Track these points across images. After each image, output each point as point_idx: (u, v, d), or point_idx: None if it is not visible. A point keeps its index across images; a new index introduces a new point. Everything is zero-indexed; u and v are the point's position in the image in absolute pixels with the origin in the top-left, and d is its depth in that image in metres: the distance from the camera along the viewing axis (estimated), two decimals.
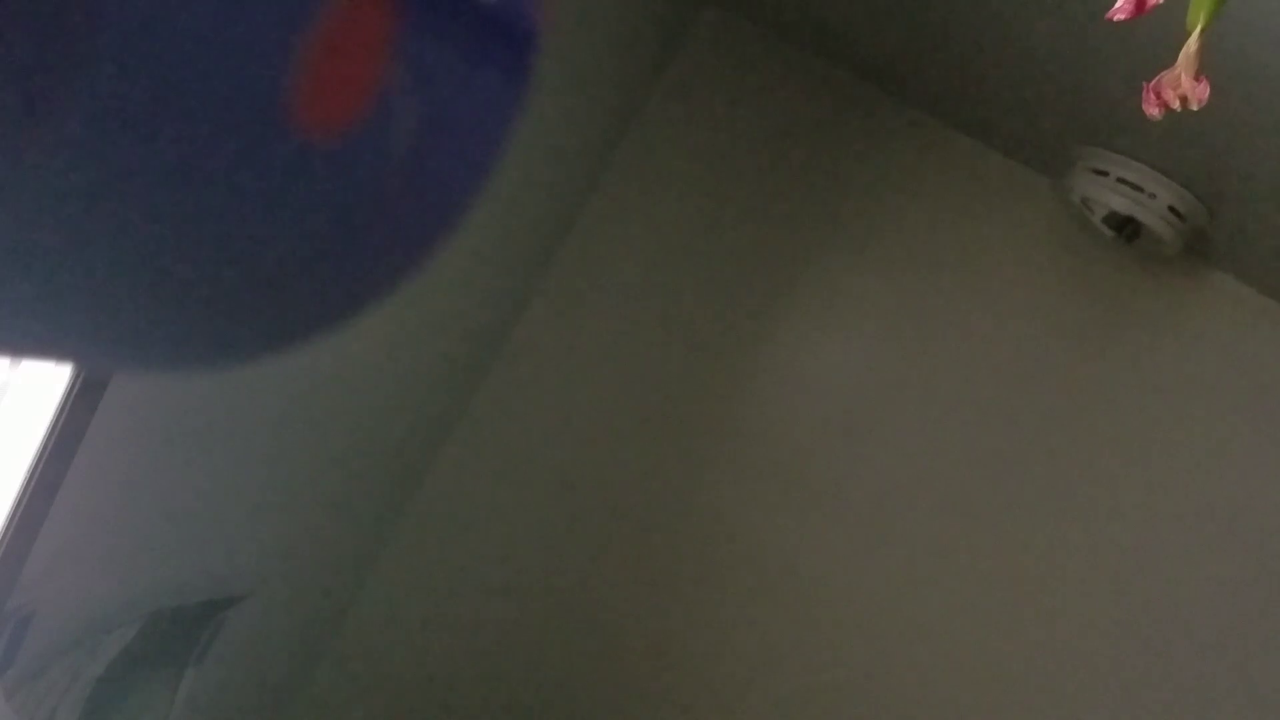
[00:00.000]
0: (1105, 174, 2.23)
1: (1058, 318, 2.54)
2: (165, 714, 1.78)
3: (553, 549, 2.67)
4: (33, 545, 1.37)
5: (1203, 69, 0.89)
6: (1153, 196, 2.20)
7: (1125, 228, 2.27)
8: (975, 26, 2.01)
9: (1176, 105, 0.90)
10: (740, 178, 2.63)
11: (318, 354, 1.81)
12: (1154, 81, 0.91)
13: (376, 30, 0.26)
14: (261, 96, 0.24)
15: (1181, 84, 0.89)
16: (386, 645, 2.68)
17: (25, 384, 1.33)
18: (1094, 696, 2.47)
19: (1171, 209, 2.20)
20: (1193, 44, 0.89)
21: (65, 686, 1.52)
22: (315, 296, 0.30)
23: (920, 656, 2.54)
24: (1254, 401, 2.45)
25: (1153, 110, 0.92)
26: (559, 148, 2.34)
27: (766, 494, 2.61)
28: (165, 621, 1.75)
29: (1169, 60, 0.90)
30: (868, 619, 2.56)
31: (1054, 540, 2.51)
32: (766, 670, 2.59)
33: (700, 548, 2.63)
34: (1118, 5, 0.88)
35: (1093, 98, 2.02)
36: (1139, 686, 2.45)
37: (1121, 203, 2.22)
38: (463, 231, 0.32)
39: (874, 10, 2.18)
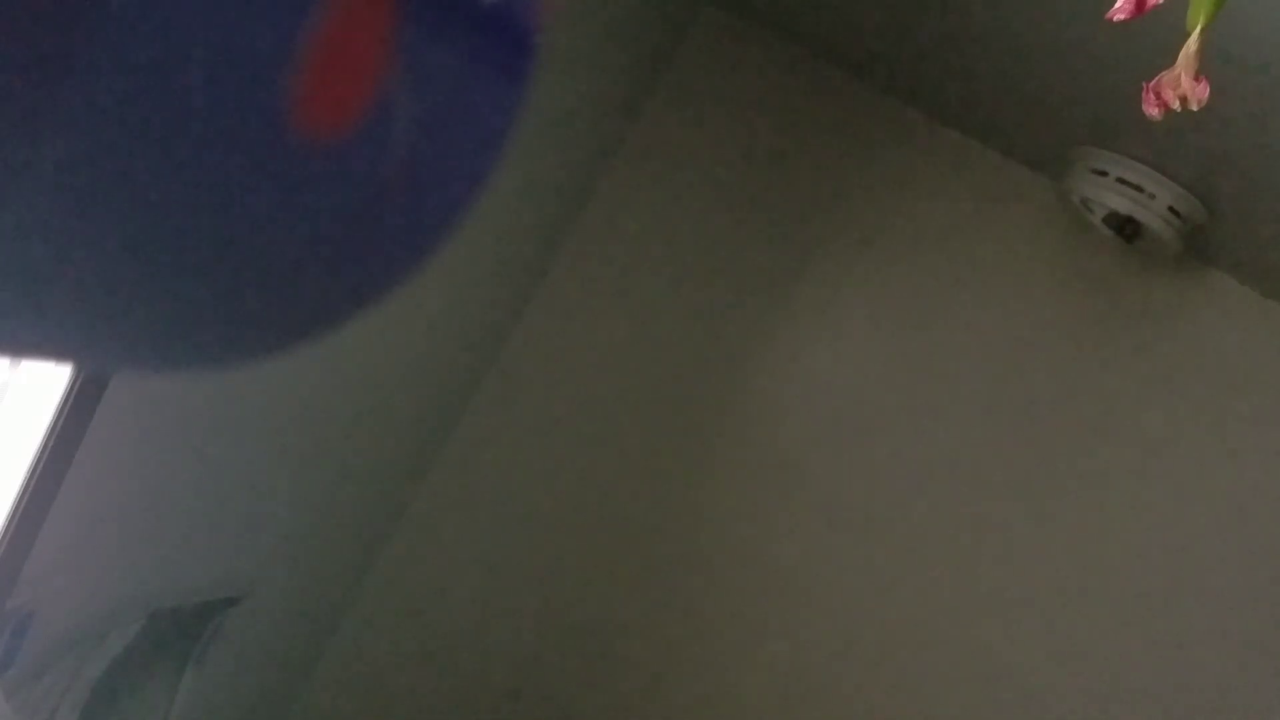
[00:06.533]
0: (1105, 174, 2.23)
1: (1058, 318, 2.54)
2: (165, 714, 1.78)
3: (551, 551, 2.67)
4: (33, 545, 1.37)
5: (1203, 69, 0.89)
6: (1153, 196, 2.20)
7: (1125, 228, 2.27)
8: (976, 27, 2.01)
9: (1176, 105, 0.90)
10: (740, 178, 2.63)
11: (318, 354, 1.81)
12: (1154, 81, 0.91)
13: (376, 30, 0.26)
14: (261, 96, 0.24)
15: (1181, 84, 0.89)
16: (386, 646, 2.68)
17: (25, 384, 1.33)
18: (1094, 696, 2.47)
19: (1171, 209, 2.20)
20: (1193, 44, 0.89)
21: (65, 686, 1.52)
22: (315, 296, 0.30)
23: (921, 656, 2.54)
24: (1254, 401, 2.45)
25: (1153, 110, 0.92)
26: (559, 148, 2.33)
27: (765, 493, 2.61)
28: (165, 621, 1.75)
29: (1169, 60, 0.90)
30: (870, 621, 2.56)
31: (1054, 540, 2.51)
32: (766, 671, 2.59)
33: (699, 549, 2.63)
34: (1118, 5, 0.88)
35: (1092, 98, 2.02)
36: (1140, 685, 2.45)
37: (1121, 203, 2.22)
38: (462, 232, 0.32)
39: (874, 10, 2.18)
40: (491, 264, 2.34)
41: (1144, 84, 0.91)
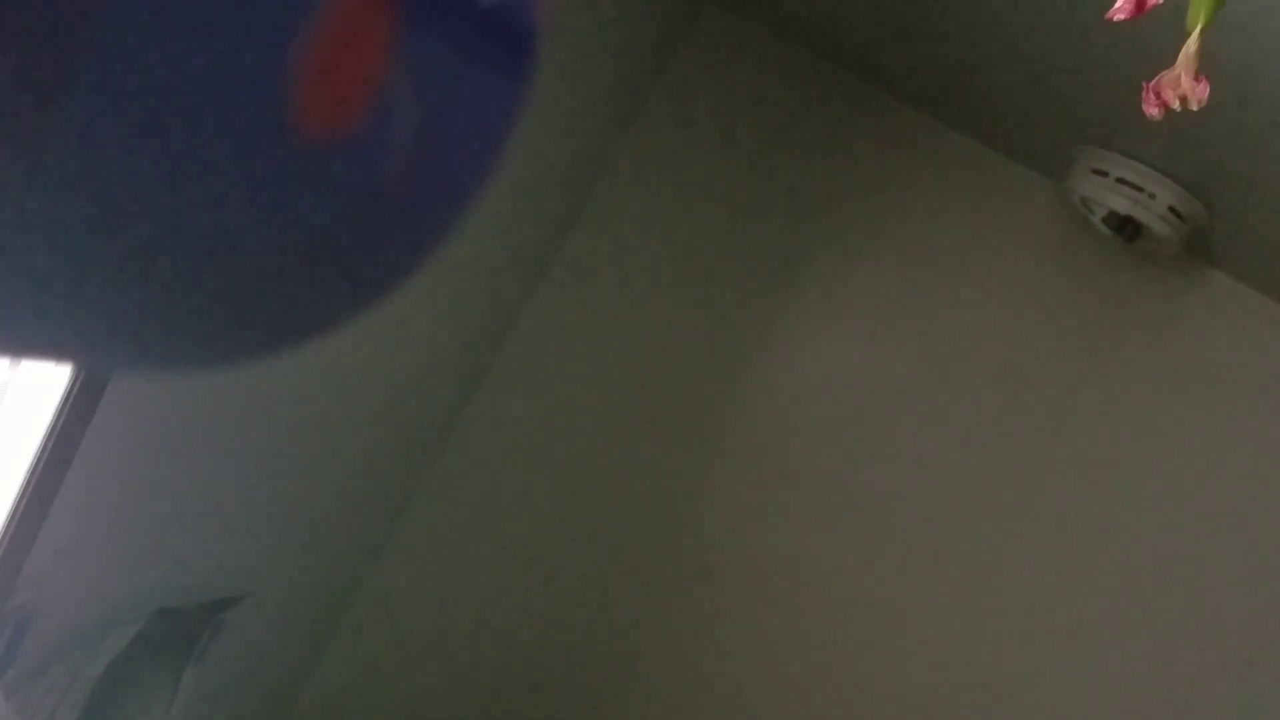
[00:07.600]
0: (1105, 174, 2.23)
1: (1058, 318, 2.54)
2: (165, 714, 1.78)
3: (553, 551, 2.67)
4: (33, 545, 1.37)
5: (1203, 69, 0.89)
6: (1153, 196, 2.20)
7: (1125, 228, 2.27)
8: (976, 27, 2.01)
9: (1176, 105, 0.90)
10: (740, 178, 2.63)
11: (318, 354, 1.81)
12: (1154, 81, 0.91)
13: (376, 30, 0.26)
14: (262, 96, 0.24)
15: (1181, 84, 0.89)
16: (386, 645, 2.68)
17: (25, 384, 1.33)
18: (1094, 693, 2.47)
19: (1171, 209, 2.20)
20: (1193, 44, 0.89)
21: (65, 686, 1.52)
22: (315, 296, 0.30)
23: (922, 657, 2.54)
24: (1254, 401, 2.45)
25: (1153, 110, 0.92)
26: (559, 148, 2.33)
27: (765, 493, 2.61)
28: (165, 621, 1.75)
29: (1169, 60, 0.90)
30: (870, 621, 2.56)
31: (1054, 539, 2.51)
32: (767, 671, 2.59)
33: (701, 549, 2.63)
34: (1118, 5, 0.88)
35: (1093, 98, 2.02)
36: (1140, 683, 2.45)
37: (1121, 203, 2.22)
38: (463, 232, 0.32)
39: (875, 10, 2.18)
40: (492, 263, 2.34)
41: (1144, 84, 0.91)
